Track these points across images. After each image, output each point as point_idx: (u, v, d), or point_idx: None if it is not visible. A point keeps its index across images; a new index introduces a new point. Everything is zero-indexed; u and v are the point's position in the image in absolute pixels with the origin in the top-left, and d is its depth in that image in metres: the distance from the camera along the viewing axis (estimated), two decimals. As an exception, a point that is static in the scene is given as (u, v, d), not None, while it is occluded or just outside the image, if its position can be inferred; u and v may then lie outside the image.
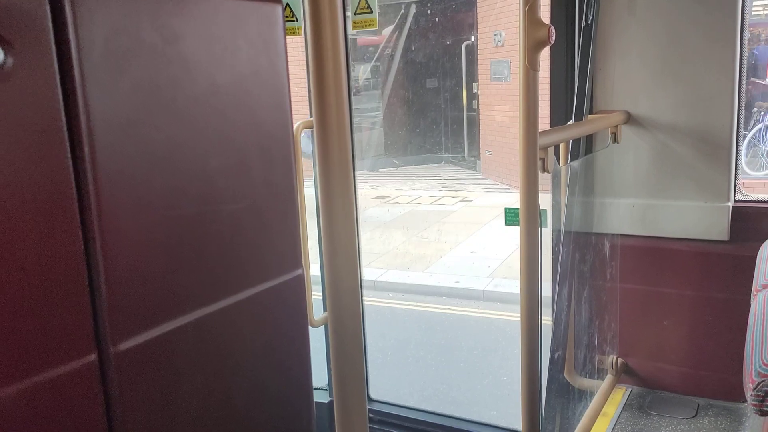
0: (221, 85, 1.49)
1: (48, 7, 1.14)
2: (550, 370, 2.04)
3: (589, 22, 2.42)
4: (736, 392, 2.44)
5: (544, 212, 1.81)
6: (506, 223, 2.53)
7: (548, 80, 2.56)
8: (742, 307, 2.04)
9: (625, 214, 2.60)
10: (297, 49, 2.89)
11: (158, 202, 1.37)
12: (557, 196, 2.15)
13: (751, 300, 1.83)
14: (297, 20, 2.67)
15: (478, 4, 12.97)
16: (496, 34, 11.91)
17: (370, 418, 3.02)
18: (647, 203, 2.55)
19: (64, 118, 1.18)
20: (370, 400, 3.12)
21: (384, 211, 10.42)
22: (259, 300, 1.64)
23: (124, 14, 1.27)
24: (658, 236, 2.56)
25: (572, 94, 2.45)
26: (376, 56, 14.74)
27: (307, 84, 2.48)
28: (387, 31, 14.16)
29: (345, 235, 0.88)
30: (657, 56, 2.44)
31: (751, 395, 1.30)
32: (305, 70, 2.44)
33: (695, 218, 2.47)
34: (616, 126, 2.48)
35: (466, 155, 14.74)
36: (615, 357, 2.72)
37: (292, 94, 1.75)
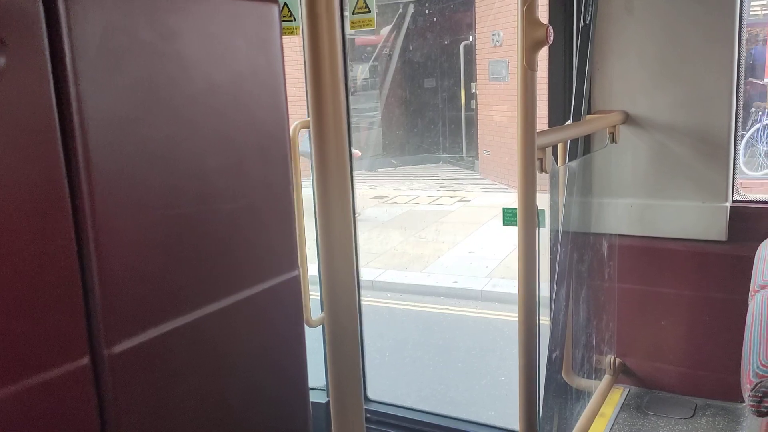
0: (218, 84, 1.49)
1: (41, 5, 1.13)
2: (547, 370, 2.04)
3: (587, 22, 2.42)
4: (734, 392, 2.44)
5: (542, 212, 1.81)
6: (504, 223, 2.53)
7: (546, 80, 2.56)
8: (739, 308, 2.04)
9: (623, 214, 2.60)
10: (297, 48, 2.88)
11: (153, 202, 1.36)
12: (555, 196, 2.15)
13: (749, 300, 1.83)
14: (295, 20, 2.66)
15: (476, 4, 12.97)
16: (494, 34, 11.92)
17: (367, 418, 3.02)
18: (645, 203, 2.56)
19: (57, 117, 1.17)
20: (368, 400, 3.12)
21: (382, 211, 10.42)
22: (256, 301, 1.64)
23: (120, 12, 1.26)
24: (656, 236, 2.56)
25: (570, 94, 2.45)
26: (374, 56, 14.74)
27: (305, 84, 2.47)
28: (385, 30, 14.16)
29: (342, 235, 0.88)
30: (655, 56, 2.44)
31: (749, 396, 1.30)
32: (304, 70, 2.43)
33: (693, 218, 2.47)
34: (614, 126, 2.48)
35: (464, 155, 14.75)
36: (613, 357, 2.72)
37: (290, 94, 1.75)
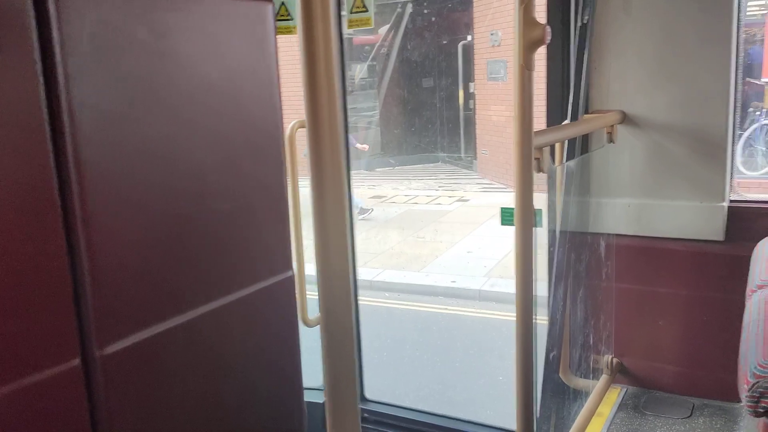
0: (212, 82, 1.48)
1: (31, 2, 1.12)
2: (545, 369, 2.03)
3: (585, 21, 2.41)
4: (732, 392, 2.44)
5: (540, 212, 1.81)
6: (502, 223, 2.53)
7: (544, 80, 2.56)
8: (737, 307, 2.04)
9: (620, 213, 2.60)
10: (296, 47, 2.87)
11: (146, 201, 1.35)
12: (553, 196, 2.15)
13: (746, 300, 1.83)
14: (292, 19, 2.66)
15: (474, 4, 12.97)
16: (492, 34, 11.92)
17: (365, 418, 3.02)
18: (643, 203, 2.56)
19: (47, 115, 1.16)
20: (366, 400, 3.11)
21: (380, 210, 10.42)
22: (250, 301, 1.63)
23: (112, 9, 1.25)
24: (653, 236, 2.56)
25: (568, 94, 2.45)
26: (371, 55, 14.73)
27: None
28: (383, 30, 14.16)
29: (337, 235, 0.88)
30: (653, 56, 2.44)
31: (746, 396, 1.30)
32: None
33: (690, 218, 2.47)
34: (612, 126, 2.48)
35: (462, 155, 14.76)
36: (610, 357, 2.72)
37: (291, 93, 1.75)
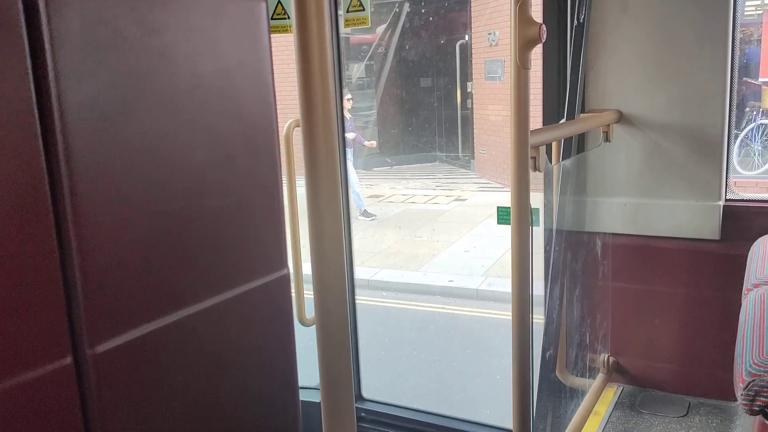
0: (205, 79, 1.47)
1: None
2: (541, 368, 2.03)
3: (581, 20, 2.41)
4: (727, 391, 2.45)
5: (536, 211, 1.81)
6: (499, 222, 2.53)
7: (540, 79, 2.56)
8: (733, 306, 2.04)
9: (616, 213, 2.61)
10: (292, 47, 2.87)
11: (139, 198, 1.35)
12: (549, 194, 2.15)
13: (742, 299, 1.83)
14: (289, 18, 2.66)
15: (471, 3, 12.97)
16: (490, 33, 11.92)
17: (362, 417, 3.02)
18: (639, 202, 2.56)
19: (36, 113, 1.16)
20: (362, 399, 3.11)
21: (377, 210, 10.41)
22: (244, 299, 1.63)
23: (101, 6, 1.25)
24: (649, 235, 2.57)
25: (564, 93, 2.45)
26: (369, 55, 14.73)
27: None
28: (380, 29, 14.15)
29: (332, 234, 0.88)
30: (649, 55, 2.44)
31: (742, 394, 1.30)
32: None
33: (687, 217, 2.48)
34: (608, 125, 2.48)
35: (460, 154, 14.76)
36: (606, 355, 2.72)
37: (286, 93, 1.74)
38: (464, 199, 11.21)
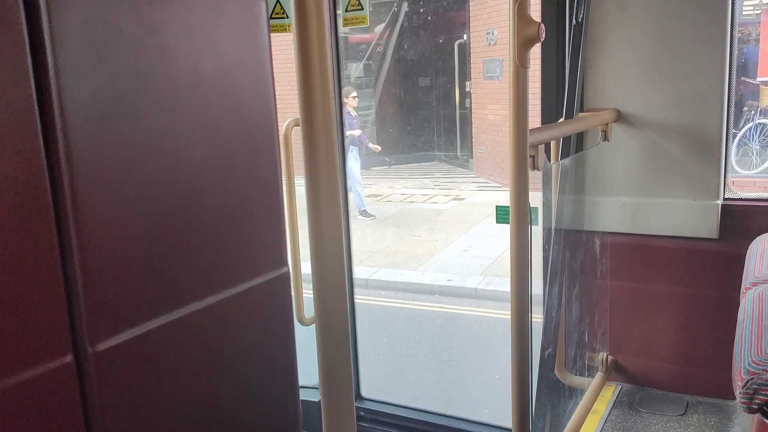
0: (204, 77, 1.47)
1: None
2: (540, 367, 2.04)
3: (580, 19, 2.42)
4: (726, 389, 2.46)
5: (535, 210, 1.81)
6: (497, 221, 2.53)
7: (539, 78, 2.56)
8: (731, 305, 2.05)
9: (615, 211, 2.61)
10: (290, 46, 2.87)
11: (139, 196, 1.35)
12: (548, 193, 2.15)
13: (741, 298, 1.84)
14: (287, 17, 2.66)
15: (470, 3, 12.97)
16: (488, 33, 11.92)
17: (361, 417, 3.02)
18: (637, 201, 2.56)
19: (37, 111, 1.16)
20: (361, 398, 3.11)
21: (376, 209, 10.42)
22: (244, 298, 1.63)
23: (101, 4, 1.25)
24: (648, 234, 2.57)
25: (563, 92, 2.45)
26: (367, 54, 14.72)
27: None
28: (379, 28, 14.15)
29: (332, 233, 0.88)
30: (647, 54, 2.44)
31: (740, 393, 1.30)
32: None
33: (685, 216, 2.48)
34: (607, 124, 2.48)
35: (458, 154, 14.77)
36: (605, 354, 2.72)
37: (285, 92, 1.74)
38: (463, 199, 11.22)
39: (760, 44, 8.90)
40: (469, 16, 13.22)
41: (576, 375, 2.51)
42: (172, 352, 1.45)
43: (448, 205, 10.72)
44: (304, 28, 0.82)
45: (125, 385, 1.34)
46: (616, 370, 2.74)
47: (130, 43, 1.30)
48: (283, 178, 1.88)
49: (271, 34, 1.72)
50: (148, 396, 1.40)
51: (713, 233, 2.44)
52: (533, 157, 1.74)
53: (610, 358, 2.72)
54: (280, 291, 1.76)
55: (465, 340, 5.64)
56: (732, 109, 2.45)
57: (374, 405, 3.06)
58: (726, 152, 2.44)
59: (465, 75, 13.76)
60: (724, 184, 2.46)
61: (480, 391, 4.60)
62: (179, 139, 1.43)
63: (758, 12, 9.21)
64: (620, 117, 2.52)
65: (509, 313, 1.79)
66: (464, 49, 13.64)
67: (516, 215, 1.70)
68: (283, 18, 2.66)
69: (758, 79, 8.91)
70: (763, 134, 8.59)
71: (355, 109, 10.17)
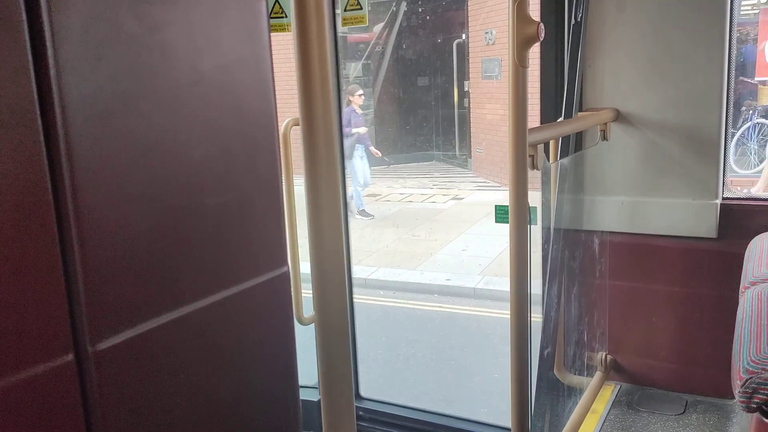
0: (204, 75, 1.47)
1: None
2: (539, 367, 2.04)
3: (579, 19, 2.42)
4: (725, 389, 2.46)
5: (534, 209, 1.81)
6: (496, 221, 2.53)
7: (538, 77, 2.56)
8: (730, 304, 2.05)
9: (614, 211, 2.61)
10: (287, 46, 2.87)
11: (139, 195, 1.35)
12: (547, 193, 2.15)
13: (740, 297, 1.84)
14: (286, 17, 2.65)
15: (468, 2, 12.97)
16: (487, 33, 11.93)
17: (360, 416, 3.02)
18: (636, 200, 2.56)
19: (38, 109, 1.15)
20: (360, 398, 3.12)
21: (375, 208, 10.42)
22: (244, 297, 1.63)
23: (101, 2, 1.25)
24: (646, 233, 2.57)
25: (562, 92, 2.46)
26: (366, 54, 14.72)
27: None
28: (378, 28, 14.15)
29: (332, 233, 0.88)
30: (646, 54, 2.44)
31: (739, 392, 1.30)
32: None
33: (684, 215, 2.48)
34: (606, 123, 2.49)
35: (457, 153, 14.76)
36: (604, 354, 2.73)
37: (283, 91, 1.74)
38: (461, 198, 11.22)
39: (759, 44, 8.91)
40: (467, 16, 13.22)
41: (575, 374, 2.51)
42: (173, 352, 1.45)
43: (446, 205, 10.73)
44: (304, 28, 0.82)
45: (126, 384, 1.34)
46: (615, 370, 2.75)
47: (131, 42, 1.30)
48: (282, 178, 1.88)
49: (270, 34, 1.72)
50: (148, 395, 1.40)
51: (712, 233, 2.45)
52: (532, 156, 1.74)
53: (609, 357, 2.73)
54: (280, 290, 1.76)
55: (464, 340, 5.64)
56: (731, 109, 2.45)
57: (373, 405, 3.06)
58: (725, 152, 2.45)
59: (463, 74, 13.76)
60: (723, 184, 2.47)
61: (479, 390, 4.60)
62: (180, 138, 1.43)
63: (756, 12, 9.22)
64: (619, 116, 2.52)
65: (508, 312, 1.79)
66: (463, 49, 13.64)
67: (515, 215, 1.70)
68: (282, 17, 2.66)
69: (756, 78, 8.92)
70: (762, 134, 8.61)
71: (360, 107, 10.20)
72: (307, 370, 1.95)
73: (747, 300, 1.69)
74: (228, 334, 1.60)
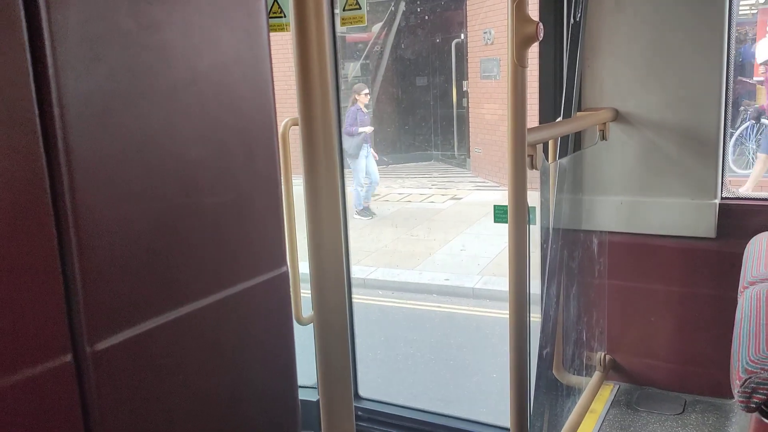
0: (202, 75, 1.47)
1: None
2: (538, 366, 2.04)
3: (578, 19, 2.42)
4: (724, 388, 2.46)
5: (533, 209, 1.81)
6: (495, 221, 2.53)
7: (536, 77, 2.56)
8: (729, 304, 2.05)
9: (613, 211, 2.61)
10: (285, 46, 2.87)
11: (138, 195, 1.34)
12: (546, 193, 2.15)
13: (738, 297, 1.84)
14: (285, 16, 2.65)
15: (467, 2, 12.97)
16: (485, 32, 11.93)
17: (358, 416, 3.02)
18: (635, 200, 2.56)
19: (36, 108, 1.15)
20: (359, 398, 3.11)
21: (373, 208, 10.41)
22: (243, 297, 1.62)
23: (100, 1, 1.25)
24: (645, 233, 2.57)
25: (561, 91, 2.46)
26: (365, 53, 14.71)
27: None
28: (376, 28, 14.14)
29: (331, 233, 0.87)
30: (645, 54, 2.44)
31: (738, 392, 1.30)
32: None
33: (683, 215, 2.48)
34: (604, 123, 2.49)
35: (455, 153, 14.76)
36: (603, 353, 2.73)
37: (281, 91, 1.74)
38: (460, 198, 11.22)
39: (756, 44, 8.92)
40: (466, 16, 13.22)
41: (574, 374, 2.51)
42: (171, 352, 1.45)
43: (445, 205, 10.73)
44: (303, 27, 0.82)
45: (124, 385, 1.34)
46: (613, 369, 2.75)
47: (129, 41, 1.30)
48: (280, 178, 1.87)
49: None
50: (147, 395, 1.39)
51: (711, 232, 2.45)
52: (531, 156, 1.74)
53: (607, 357, 2.73)
54: (279, 290, 1.76)
55: (463, 340, 5.65)
56: (729, 109, 2.45)
57: (372, 405, 3.06)
58: (723, 151, 2.45)
59: (462, 74, 13.76)
60: (722, 184, 2.47)
61: (478, 390, 4.60)
62: (178, 137, 1.43)
63: (755, 12, 9.23)
64: (618, 116, 2.52)
65: (507, 312, 1.79)
66: (461, 49, 13.64)
67: (514, 214, 1.70)
68: (281, 17, 2.65)
69: (755, 78, 8.93)
70: (760, 134, 8.61)
71: (365, 106, 10.21)
72: (306, 370, 1.95)
73: (746, 300, 1.69)
74: (226, 335, 1.60)
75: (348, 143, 9.68)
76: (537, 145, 1.78)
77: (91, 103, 1.24)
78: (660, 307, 2.61)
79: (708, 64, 2.35)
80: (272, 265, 1.72)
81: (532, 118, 1.83)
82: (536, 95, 2.56)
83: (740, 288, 1.89)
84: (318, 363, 0.92)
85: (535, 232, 1.94)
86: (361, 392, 3.15)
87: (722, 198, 2.46)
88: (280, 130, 2.31)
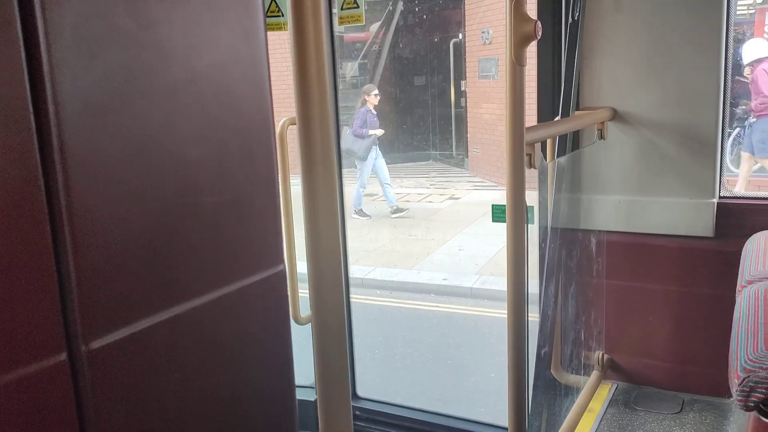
0: (200, 74, 1.47)
1: None
2: (536, 366, 2.04)
3: (576, 18, 2.42)
4: (722, 387, 2.46)
5: (531, 209, 1.81)
6: (493, 220, 2.53)
7: (535, 76, 2.56)
8: (727, 303, 2.05)
9: (611, 210, 2.61)
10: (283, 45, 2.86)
11: (134, 194, 1.34)
12: (544, 192, 2.15)
13: (737, 296, 1.84)
14: (283, 15, 2.65)
15: (465, 2, 12.97)
16: (483, 32, 11.93)
17: (357, 416, 3.02)
18: (633, 199, 2.56)
19: (31, 107, 1.15)
20: (357, 397, 3.11)
21: (372, 208, 10.41)
22: (240, 296, 1.62)
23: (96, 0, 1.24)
24: (643, 232, 2.57)
25: (559, 90, 2.46)
26: (363, 53, 14.71)
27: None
28: (374, 27, 14.13)
29: (329, 232, 0.87)
30: (643, 53, 2.45)
31: (737, 390, 1.30)
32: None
33: (681, 214, 2.49)
34: (603, 122, 2.49)
35: (453, 153, 14.77)
36: (601, 353, 2.73)
37: (278, 90, 1.73)
38: (458, 198, 11.22)
39: (754, 43, 8.91)
40: (464, 15, 13.22)
41: (572, 373, 2.51)
42: (167, 350, 1.44)
43: (443, 205, 10.73)
44: (300, 26, 0.82)
45: (120, 384, 1.34)
46: (611, 369, 2.75)
47: (125, 39, 1.30)
48: (278, 177, 1.87)
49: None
50: (142, 394, 1.39)
51: (709, 231, 2.45)
52: (530, 155, 1.74)
53: (605, 356, 2.73)
54: (276, 289, 1.75)
55: (461, 339, 5.65)
56: (728, 108, 2.46)
57: (370, 404, 3.06)
58: (721, 151, 2.45)
59: (460, 74, 13.76)
60: (720, 183, 2.47)
61: (476, 389, 4.60)
62: (175, 136, 1.42)
63: (752, 12, 9.24)
64: (616, 115, 2.52)
65: (505, 311, 1.79)
66: (460, 48, 13.64)
67: (512, 214, 1.70)
68: (278, 16, 2.65)
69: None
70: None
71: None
72: (304, 369, 1.95)
73: (744, 299, 1.70)
74: (223, 333, 1.60)
75: (357, 145, 9.63)
76: (535, 145, 1.78)
77: (87, 101, 1.23)
78: (658, 306, 2.61)
79: (706, 63, 2.35)
80: (269, 264, 1.71)
81: (531, 118, 1.83)
82: (534, 94, 2.56)
83: (738, 287, 1.89)
84: (316, 362, 0.91)
85: (533, 232, 1.94)
86: (359, 392, 3.15)
87: (720, 197, 2.46)
88: (278, 129, 2.31)
